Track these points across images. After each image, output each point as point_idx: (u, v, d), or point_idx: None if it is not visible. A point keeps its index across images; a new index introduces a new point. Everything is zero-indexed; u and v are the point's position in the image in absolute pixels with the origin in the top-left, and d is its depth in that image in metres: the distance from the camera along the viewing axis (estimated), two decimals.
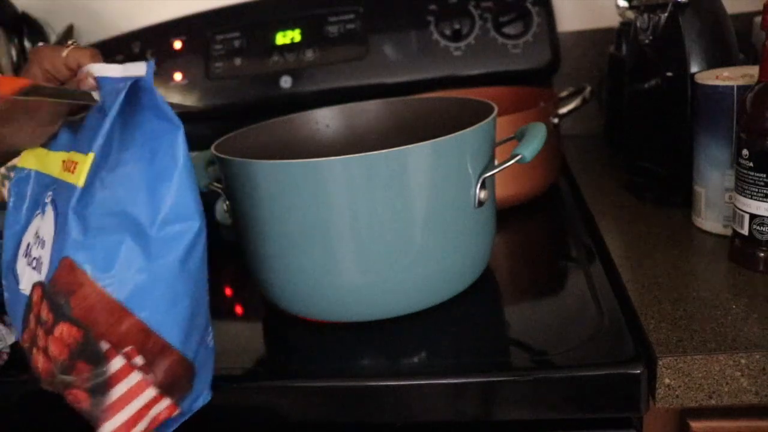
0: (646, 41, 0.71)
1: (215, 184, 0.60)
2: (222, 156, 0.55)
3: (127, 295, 0.43)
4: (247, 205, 0.55)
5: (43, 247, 0.45)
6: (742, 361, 0.46)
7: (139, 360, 0.44)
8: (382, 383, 0.49)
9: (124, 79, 0.43)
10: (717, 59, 0.65)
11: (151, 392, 0.44)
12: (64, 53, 0.47)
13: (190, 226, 0.44)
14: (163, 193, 0.43)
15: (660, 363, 0.46)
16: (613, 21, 0.94)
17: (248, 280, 0.61)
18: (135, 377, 0.44)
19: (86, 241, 0.42)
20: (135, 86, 0.43)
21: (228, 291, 0.69)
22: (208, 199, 0.61)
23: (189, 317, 0.45)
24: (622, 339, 0.49)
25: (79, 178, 0.43)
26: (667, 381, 0.47)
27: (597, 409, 0.48)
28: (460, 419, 0.49)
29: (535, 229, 0.76)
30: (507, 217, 0.75)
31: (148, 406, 0.44)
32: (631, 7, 0.87)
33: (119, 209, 0.43)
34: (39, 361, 0.46)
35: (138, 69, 0.43)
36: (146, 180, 0.43)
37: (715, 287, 0.54)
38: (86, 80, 0.45)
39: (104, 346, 0.43)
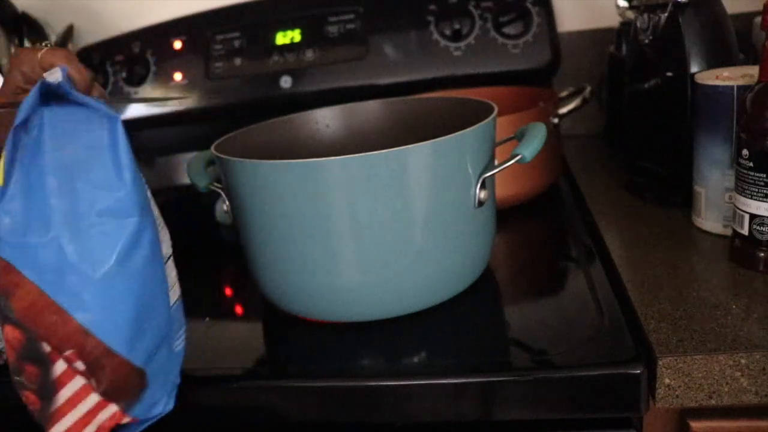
0: (646, 41, 0.71)
1: (215, 184, 0.60)
2: (222, 156, 0.55)
3: (62, 294, 0.41)
4: (246, 206, 0.55)
5: None
6: (742, 361, 0.46)
7: (80, 365, 0.42)
8: (382, 383, 0.49)
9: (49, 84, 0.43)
10: (717, 59, 0.65)
11: (94, 398, 0.43)
12: (39, 55, 0.47)
13: (128, 222, 0.42)
14: (98, 189, 0.42)
15: (660, 363, 0.46)
16: (613, 21, 0.94)
17: (248, 280, 0.61)
18: (78, 382, 0.43)
19: (16, 240, 0.41)
20: (53, 89, 0.42)
21: (228, 291, 0.69)
22: (208, 199, 0.62)
23: (133, 320, 0.43)
24: (622, 339, 0.49)
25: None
26: (667, 381, 0.47)
27: (597, 409, 0.48)
28: (460, 419, 0.49)
29: (535, 229, 0.76)
30: (507, 217, 0.75)
31: (92, 412, 0.43)
32: (631, 7, 0.87)
33: (50, 206, 0.42)
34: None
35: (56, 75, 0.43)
36: (80, 175, 0.42)
37: (715, 287, 0.54)
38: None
39: (46, 348, 0.42)
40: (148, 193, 0.46)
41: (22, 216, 0.42)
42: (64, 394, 0.43)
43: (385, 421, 0.50)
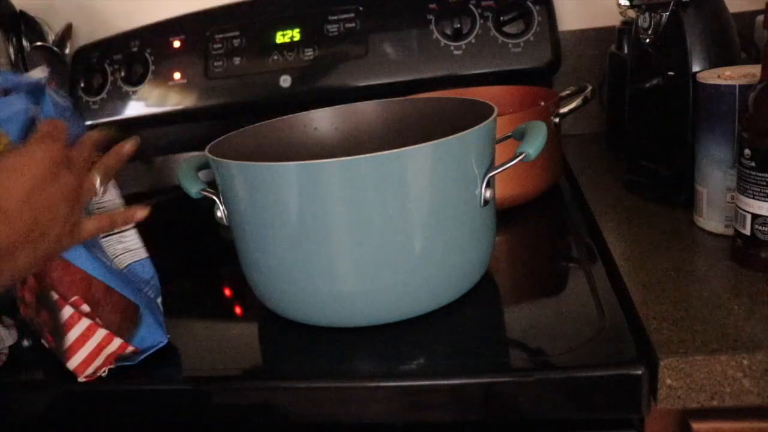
0: (648, 40, 0.70)
1: (208, 189, 0.58)
2: (217, 159, 0.53)
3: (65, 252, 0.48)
4: (242, 209, 0.54)
5: None
6: (744, 361, 0.46)
7: (85, 307, 0.51)
8: (382, 384, 0.49)
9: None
10: (719, 58, 0.65)
11: (101, 333, 0.51)
12: None
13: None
14: None
15: (661, 364, 0.46)
16: (615, 20, 0.94)
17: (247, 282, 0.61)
18: (85, 323, 0.51)
19: None
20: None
21: (227, 291, 0.69)
22: (207, 200, 0.61)
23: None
24: (623, 340, 0.49)
25: None
26: (668, 382, 0.46)
27: (598, 410, 0.47)
28: (461, 420, 0.49)
29: (536, 230, 0.76)
30: (507, 217, 0.75)
31: (101, 346, 0.52)
32: (632, 6, 0.87)
33: None
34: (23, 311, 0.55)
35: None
36: None
37: (717, 287, 0.54)
38: None
39: (54, 296, 0.51)
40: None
41: None
42: (74, 335, 0.51)
43: (386, 422, 0.50)
